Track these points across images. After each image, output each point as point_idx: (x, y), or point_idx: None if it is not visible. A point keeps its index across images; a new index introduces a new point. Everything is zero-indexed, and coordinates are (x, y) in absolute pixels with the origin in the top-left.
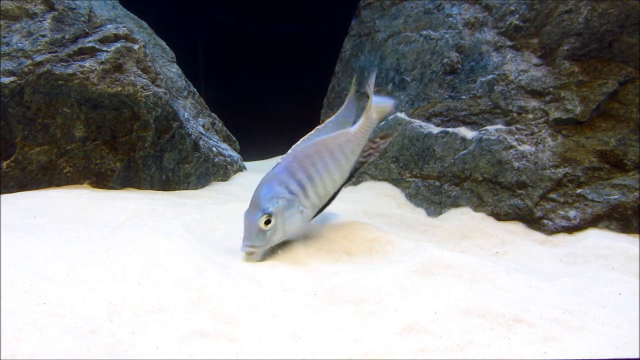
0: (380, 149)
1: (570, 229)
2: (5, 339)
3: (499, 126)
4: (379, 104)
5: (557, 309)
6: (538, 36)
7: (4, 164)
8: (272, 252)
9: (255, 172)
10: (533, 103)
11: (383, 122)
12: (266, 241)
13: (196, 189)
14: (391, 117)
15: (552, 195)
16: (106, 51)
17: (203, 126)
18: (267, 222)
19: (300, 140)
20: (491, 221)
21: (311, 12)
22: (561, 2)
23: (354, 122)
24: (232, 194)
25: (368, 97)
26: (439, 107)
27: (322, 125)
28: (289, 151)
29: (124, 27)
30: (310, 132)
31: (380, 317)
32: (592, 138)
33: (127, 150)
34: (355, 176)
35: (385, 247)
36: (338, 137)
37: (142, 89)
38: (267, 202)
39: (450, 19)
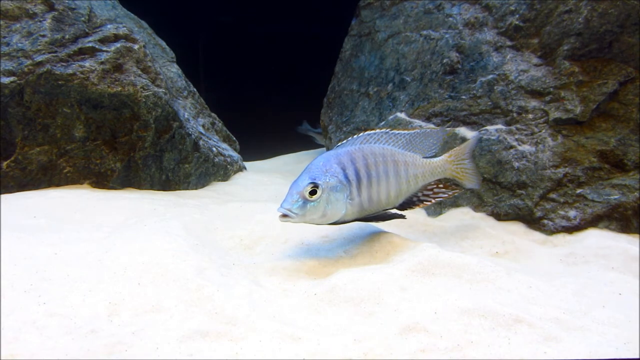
0: (438, 198)
1: (570, 229)
2: (5, 339)
3: (499, 126)
4: (462, 146)
5: (557, 309)
6: (538, 36)
7: (4, 164)
8: (271, 252)
9: (255, 172)
10: (533, 103)
11: (383, 122)
12: (304, 213)
13: (196, 189)
14: (391, 117)
15: (552, 195)
16: (106, 51)
17: (203, 126)
18: (313, 192)
19: (367, 132)
20: (491, 221)
21: (311, 12)
22: (561, 2)
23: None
24: (232, 194)
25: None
26: (439, 107)
27: (394, 131)
28: (355, 136)
29: (124, 27)
30: (379, 130)
31: (380, 317)
32: (592, 138)
33: (127, 150)
34: (406, 209)
35: (385, 247)
36: (407, 155)
37: (142, 89)
38: (320, 174)
39: (450, 19)
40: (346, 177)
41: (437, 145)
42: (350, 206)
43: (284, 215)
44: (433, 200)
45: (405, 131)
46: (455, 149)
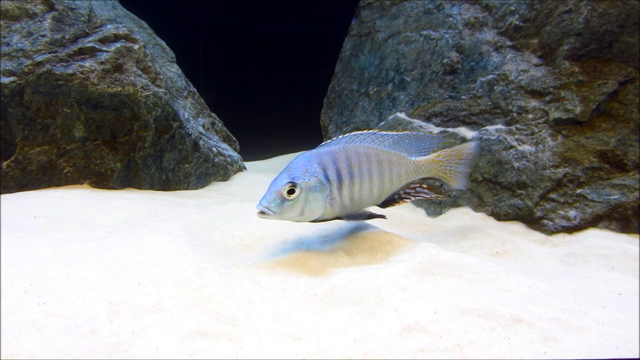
0: (419, 197)
1: (570, 229)
2: (5, 339)
3: (499, 126)
4: (456, 149)
5: (557, 309)
6: (538, 36)
7: (4, 164)
8: (271, 252)
9: (255, 172)
10: (533, 103)
11: (383, 122)
12: (281, 211)
13: (196, 189)
14: (391, 117)
15: (552, 195)
16: (106, 51)
17: (203, 126)
18: (291, 191)
19: (354, 133)
20: (491, 221)
21: (311, 12)
22: (561, 2)
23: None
24: (232, 194)
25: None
26: (439, 107)
27: (381, 132)
28: (340, 136)
29: (124, 27)
30: (368, 131)
31: (380, 317)
32: (592, 138)
33: (127, 150)
34: (387, 206)
35: (385, 247)
36: (392, 155)
37: (142, 89)
38: (299, 174)
39: (450, 19)
40: (326, 177)
41: (430, 150)
42: (330, 205)
43: (262, 213)
44: (413, 198)
45: (394, 132)
46: (445, 150)
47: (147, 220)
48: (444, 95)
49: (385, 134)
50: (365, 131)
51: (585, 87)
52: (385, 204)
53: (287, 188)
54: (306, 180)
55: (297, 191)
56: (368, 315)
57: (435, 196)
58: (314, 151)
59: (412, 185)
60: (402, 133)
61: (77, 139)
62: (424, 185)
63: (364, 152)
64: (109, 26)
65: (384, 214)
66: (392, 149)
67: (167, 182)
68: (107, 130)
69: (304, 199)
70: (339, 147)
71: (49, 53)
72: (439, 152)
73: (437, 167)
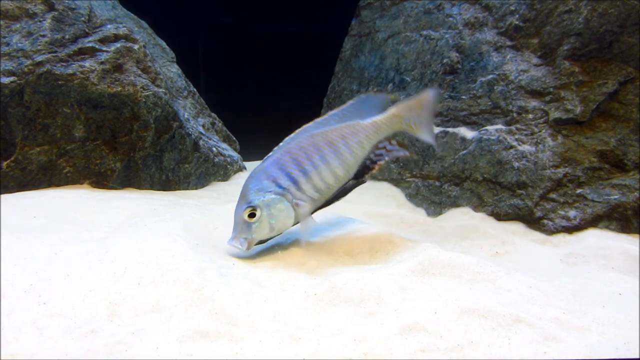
0: (393, 156)
1: (570, 229)
2: (5, 339)
3: (499, 126)
4: (415, 99)
5: (557, 309)
6: (538, 36)
7: (4, 164)
8: (272, 252)
9: None
10: (533, 103)
11: None
12: (251, 236)
13: (196, 189)
14: None
15: (552, 195)
16: (106, 51)
17: (203, 126)
18: (252, 215)
19: (294, 132)
20: (491, 221)
21: (311, 12)
22: (561, 2)
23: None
24: (232, 194)
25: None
26: (439, 107)
27: (323, 117)
28: (280, 144)
29: (124, 27)
30: (307, 125)
31: (380, 317)
32: (592, 138)
33: (127, 150)
34: (366, 177)
35: (385, 247)
36: (342, 128)
37: (142, 89)
38: (253, 195)
39: (450, 19)
40: (280, 186)
41: (381, 109)
42: (300, 206)
43: (235, 246)
44: (387, 158)
45: (336, 109)
46: (403, 102)
47: (147, 220)
48: (444, 95)
49: (326, 117)
50: (306, 125)
51: (585, 87)
52: (360, 174)
53: (248, 212)
54: (262, 199)
55: (258, 212)
56: (368, 315)
57: (411, 153)
58: (258, 168)
59: (380, 146)
60: (343, 106)
61: (77, 139)
62: (393, 142)
63: (308, 143)
64: (109, 26)
65: (363, 180)
66: (340, 123)
67: (167, 182)
68: (107, 130)
69: (268, 215)
70: (281, 152)
71: (49, 53)
72: (396, 105)
73: (399, 121)
